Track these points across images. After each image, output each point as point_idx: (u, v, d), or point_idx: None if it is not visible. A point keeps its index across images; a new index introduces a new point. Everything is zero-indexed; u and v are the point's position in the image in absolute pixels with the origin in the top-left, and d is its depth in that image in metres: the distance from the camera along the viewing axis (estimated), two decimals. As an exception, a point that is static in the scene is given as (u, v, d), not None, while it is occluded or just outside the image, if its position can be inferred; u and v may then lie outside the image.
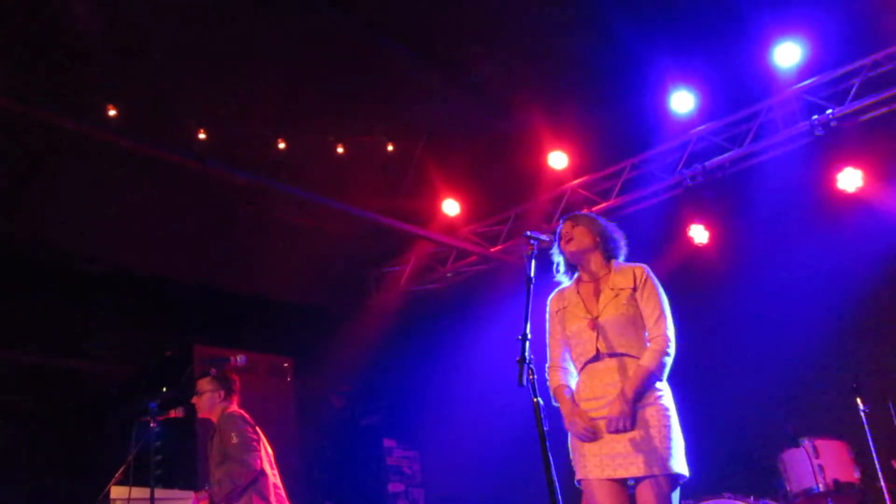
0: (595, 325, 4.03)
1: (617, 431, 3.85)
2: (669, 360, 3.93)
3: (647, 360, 3.89)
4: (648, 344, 3.97)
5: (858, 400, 6.31)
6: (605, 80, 7.73)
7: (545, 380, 4.16)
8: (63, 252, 7.94)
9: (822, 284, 7.50)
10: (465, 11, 7.19)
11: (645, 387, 3.86)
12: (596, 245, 4.20)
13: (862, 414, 6.28)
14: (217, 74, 7.14)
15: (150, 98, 6.97)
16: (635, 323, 4.00)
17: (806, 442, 6.33)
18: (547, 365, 4.20)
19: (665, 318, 4.00)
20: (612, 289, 4.08)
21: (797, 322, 7.51)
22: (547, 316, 4.29)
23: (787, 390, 7.45)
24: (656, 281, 4.11)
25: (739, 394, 7.73)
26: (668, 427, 3.84)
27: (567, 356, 4.17)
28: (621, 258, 4.25)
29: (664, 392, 3.94)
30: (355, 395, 10.13)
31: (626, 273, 4.11)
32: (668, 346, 3.92)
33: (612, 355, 3.98)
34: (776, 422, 6.68)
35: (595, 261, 4.19)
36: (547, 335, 4.25)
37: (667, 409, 3.88)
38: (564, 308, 4.19)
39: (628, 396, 3.84)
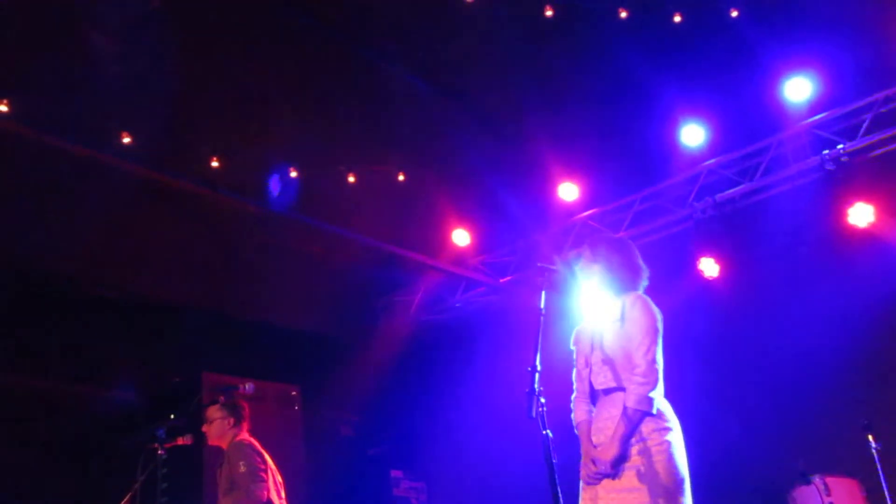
0: (588, 363, 4.06)
1: (599, 476, 3.83)
2: (654, 391, 3.85)
3: (631, 401, 3.83)
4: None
5: (870, 437, 6.26)
6: (616, 113, 7.76)
7: (568, 410, 4.17)
8: (73, 278, 7.96)
9: (832, 319, 7.46)
10: (477, 43, 7.25)
11: (635, 426, 3.82)
12: (609, 283, 4.18)
13: (874, 452, 6.22)
14: (230, 104, 7.20)
15: (164, 126, 7.02)
16: (625, 356, 3.96)
17: (817, 479, 6.28)
18: (573, 396, 4.21)
19: (646, 346, 3.90)
20: (606, 322, 4.08)
21: (808, 357, 7.46)
22: (573, 338, 4.31)
23: (798, 427, 7.39)
24: (644, 307, 4.02)
25: (749, 430, 7.67)
26: (672, 463, 3.80)
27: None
28: (640, 290, 4.21)
29: (669, 426, 3.89)
30: (363, 424, 10.08)
31: (617, 304, 4.10)
32: (648, 379, 3.84)
33: (607, 391, 3.99)
34: (787, 459, 6.64)
35: (606, 296, 4.19)
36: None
37: (671, 444, 3.84)
38: (578, 344, 4.22)
39: (617, 442, 3.81)
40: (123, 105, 6.78)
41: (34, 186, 7.16)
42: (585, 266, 4.22)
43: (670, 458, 3.80)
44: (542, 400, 3.49)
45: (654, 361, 3.89)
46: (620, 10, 6.82)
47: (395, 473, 9.84)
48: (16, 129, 6.13)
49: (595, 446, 3.94)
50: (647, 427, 3.84)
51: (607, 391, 3.98)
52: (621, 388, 3.93)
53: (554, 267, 4.04)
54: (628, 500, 3.77)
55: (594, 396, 4.09)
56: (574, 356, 4.26)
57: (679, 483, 3.79)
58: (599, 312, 4.19)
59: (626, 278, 4.18)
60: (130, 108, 6.81)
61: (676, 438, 3.88)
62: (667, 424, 3.88)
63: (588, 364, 4.08)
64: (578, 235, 8.61)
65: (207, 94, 7.05)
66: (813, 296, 7.67)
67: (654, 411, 3.85)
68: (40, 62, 6.32)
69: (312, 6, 6.77)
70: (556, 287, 4.16)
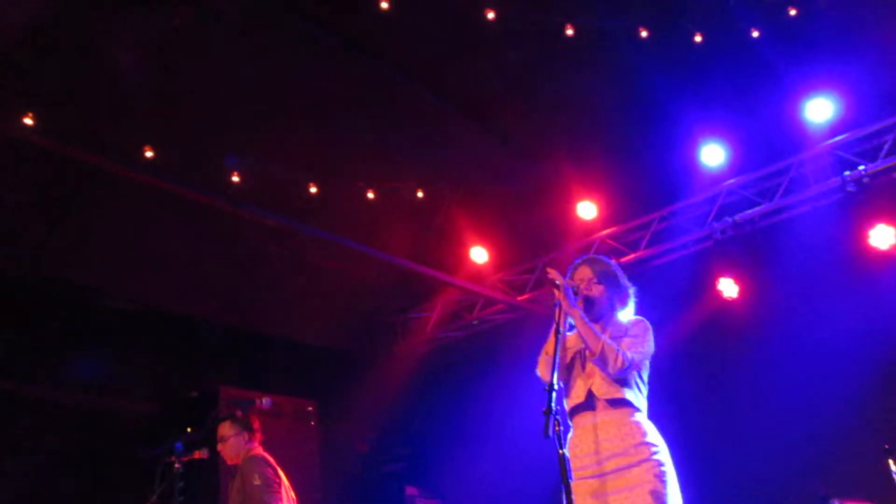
0: (591, 372, 4.01)
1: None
2: (612, 365, 3.85)
3: (608, 345, 3.86)
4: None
5: (890, 462, 6.20)
6: (635, 132, 7.76)
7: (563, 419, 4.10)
8: (93, 289, 8.02)
9: (853, 342, 7.40)
10: (497, 62, 7.28)
11: (602, 351, 3.84)
12: (612, 307, 4.21)
13: (894, 476, 6.15)
14: (252, 119, 7.26)
15: (187, 141, 7.09)
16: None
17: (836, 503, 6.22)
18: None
19: (640, 356, 3.95)
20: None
21: (827, 380, 7.40)
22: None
23: (817, 450, 7.32)
24: (647, 329, 4.08)
25: (768, 452, 7.61)
26: (664, 484, 3.77)
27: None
28: (628, 308, 4.25)
29: (659, 448, 3.87)
30: (379, 441, 10.07)
31: (621, 324, 4.13)
32: (625, 361, 3.85)
33: (613, 402, 3.94)
34: (806, 482, 6.57)
35: (607, 317, 4.20)
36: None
37: (662, 465, 3.81)
38: (573, 349, 4.15)
39: (576, 311, 3.90)
40: (146, 119, 6.85)
41: (57, 198, 7.24)
42: (588, 285, 4.21)
43: (664, 482, 3.78)
44: (559, 419, 3.47)
45: (637, 363, 3.93)
46: (641, 29, 6.83)
47: (410, 490, 9.82)
48: (40, 141, 6.20)
49: (598, 452, 3.87)
50: (648, 449, 3.82)
51: (613, 402, 3.94)
52: (627, 403, 3.91)
53: (573, 285, 4.03)
54: None
55: (587, 405, 4.00)
56: (560, 362, 4.12)
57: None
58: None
59: (622, 300, 4.24)
60: (153, 123, 6.88)
61: (668, 460, 3.88)
62: (660, 448, 3.88)
63: (591, 374, 4.02)
64: (597, 254, 8.58)
65: (229, 109, 7.11)
66: (833, 318, 7.62)
67: (633, 400, 3.90)
68: (64, 76, 6.40)
69: (335, 23, 6.83)
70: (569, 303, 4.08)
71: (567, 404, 4.09)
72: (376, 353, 9.83)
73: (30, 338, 7.74)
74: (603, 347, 3.87)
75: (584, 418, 3.99)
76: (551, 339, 3.95)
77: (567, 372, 4.13)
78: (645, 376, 4.07)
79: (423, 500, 9.84)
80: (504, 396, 8.77)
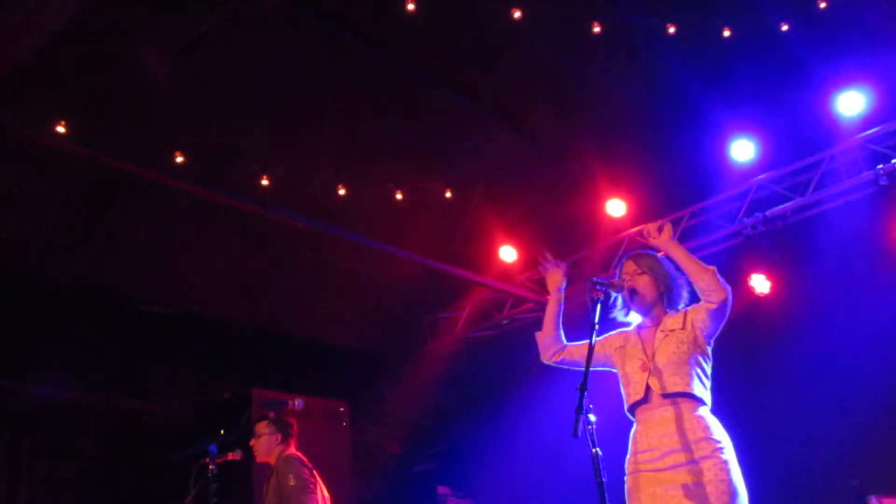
0: (646, 366, 3.93)
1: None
2: (716, 294, 3.86)
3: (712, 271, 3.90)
4: None
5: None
6: (664, 128, 7.72)
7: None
8: (125, 293, 8.11)
9: (887, 336, 7.32)
10: (524, 60, 7.27)
11: (684, 261, 3.96)
12: (660, 297, 4.11)
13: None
14: (281, 123, 7.30)
15: (216, 145, 7.15)
16: (688, 362, 3.87)
17: (873, 500, 6.18)
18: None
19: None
20: (663, 331, 3.98)
21: (862, 375, 7.33)
22: (602, 338, 4.19)
23: (853, 446, 7.25)
24: None
25: (803, 448, 7.55)
26: (729, 482, 3.67)
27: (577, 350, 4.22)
28: (681, 306, 4.12)
29: (724, 444, 3.77)
30: (410, 440, 10.09)
31: (678, 316, 4.03)
32: (726, 294, 3.87)
33: (665, 396, 3.86)
34: (842, 478, 6.52)
35: (657, 310, 4.11)
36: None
37: (727, 464, 3.71)
38: (623, 347, 4.09)
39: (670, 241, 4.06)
40: (176, 125, 6.92)
41: (89, 203, 7.32)
42: (632, 277, 4.15)
43: (729, 480, 3.67)
44: (593, 418, 3.44)
45: (724, 306, 3.92)
46: (669, 25, 6.80)
47: (441, 490, 9.83)
48: (73, 149, 6.28)
49: (659, 447, 3.79)
50: (711, 445, 3.73)
51: (670, 395, 3.85)
52: (688, 395, 3.83)
53: (609, 281, 4.01)
54: None
55: (646, 399, 3.91)
56: (615, 358, 4.12)
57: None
58: (648, 322, 4.10)
59: (672, 291, 4.13)
60: (183, 128, 6.94)
61: (733, 458, 3.77)
62: (725, 445, 3.77)
63: (646, 368, 3.95)
64: (626, 251, 8.55)
65: (258, 113, 7.16)
66: (867, 312, 7.53)
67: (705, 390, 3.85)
68: (96, 84, 6.48)
69: (361, 25, 6.86)
70: (606, 303, 4.04)
71: (627, 401, 4.02)
72: (406, 354, 9.85)
73: (64, 342, 7.83)
74: (713, 273, 3.89)
75: (644, 413, 3.92)
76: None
77: (622, 369, 4.06)
78: (708, 368, 3.97)
79: (455, 500, 9.85)
80: (534, 395, 8.76)
